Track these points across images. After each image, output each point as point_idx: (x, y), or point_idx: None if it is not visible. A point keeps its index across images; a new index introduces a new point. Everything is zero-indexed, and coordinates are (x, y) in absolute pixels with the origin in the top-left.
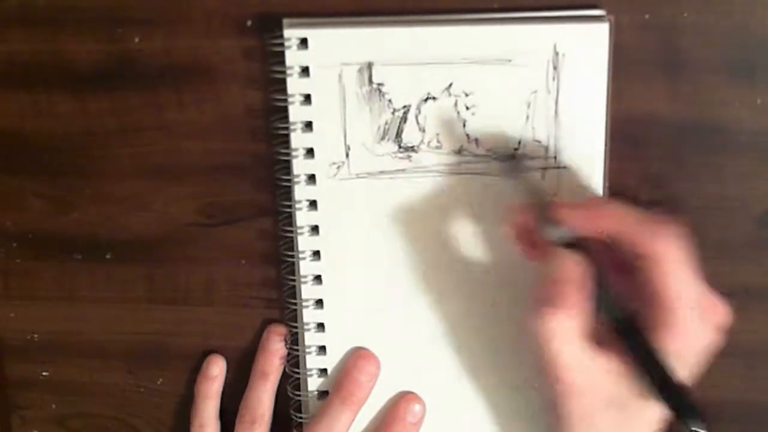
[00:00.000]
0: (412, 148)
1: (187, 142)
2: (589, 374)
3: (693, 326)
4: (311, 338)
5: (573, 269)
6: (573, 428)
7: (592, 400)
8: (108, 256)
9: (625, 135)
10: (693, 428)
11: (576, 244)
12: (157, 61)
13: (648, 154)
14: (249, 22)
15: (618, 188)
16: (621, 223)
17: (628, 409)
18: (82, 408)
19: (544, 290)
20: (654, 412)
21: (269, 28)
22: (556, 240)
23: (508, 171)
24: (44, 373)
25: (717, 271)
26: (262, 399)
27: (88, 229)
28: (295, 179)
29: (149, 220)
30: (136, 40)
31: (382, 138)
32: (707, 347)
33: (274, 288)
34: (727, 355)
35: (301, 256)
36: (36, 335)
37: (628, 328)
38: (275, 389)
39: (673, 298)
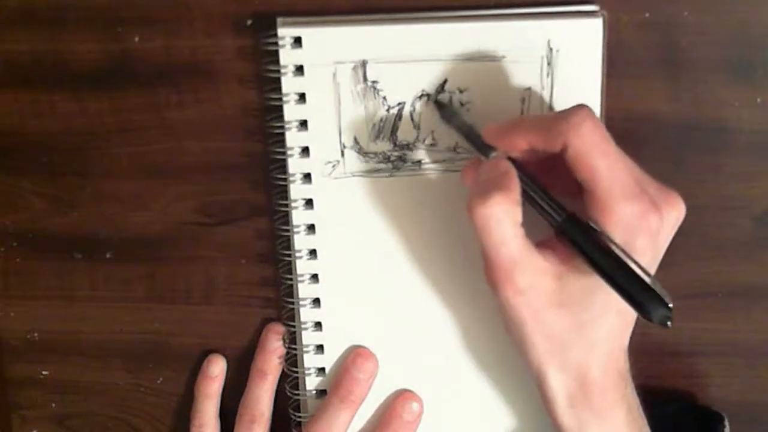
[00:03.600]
0: (407, 146)
1: (187, 142)
2: (534, 271)
3: (631, 213)
4: (309, 337)
5: (505, 164)
6: (528, 333)
7: (540, 300)
8: (108, 256)
9: (624, 134)
10: (657, 317)
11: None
12: (156, 60)
13: (648, 153)
14: (249, 22)
15: None
16: (533, 126)
17: (579, 312)
18: (82, 408)
19: (480, 184)
20: (608, 316)
21: (270, 27)
22: None
23: (445, 118)
24: (44, 373)
25: (717, 271)
26: (261, 398)
27: (88, 228)
28: (291, 178)
29: (149, 220)
30: (136, 39)
31: (377, 136)
32: (660, 240)
33: (273, 287)
34: (727, 355)
35: (297, 255)
36: (36, 335)
37: (571, 227)
38: (274, 388)
39: (601, 178)
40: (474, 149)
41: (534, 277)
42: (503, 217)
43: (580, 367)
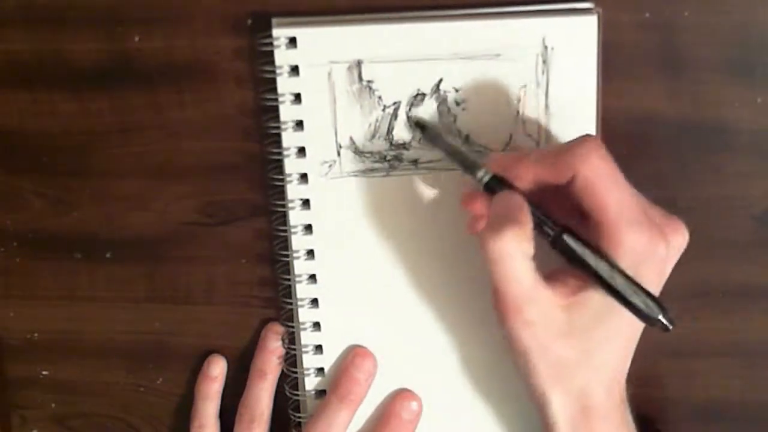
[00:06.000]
0: (403, 145)
1: (187, 142)
2: (543, 304)
3: (638, 242)
4: (307, 337)
5: (518, 198)
6: (533, 361)
7: (547, 331)
8: (108, 256)
9: (624, 134)
10: (658, 320)
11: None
12: (156, 60)
13: (647, 153)
14: (249, 21)
15: None
16: (540, 158)
17: (585, 340)
18: (82, 408)
19: (494, 216)
20: (614, 341)
21: (266, 27)
22: (484, 183)
23: (429, 139)
24: (44, 373)
25: (717, 271)
26: (261, 398)
27: (88, 228)
28: (288, 178)
29: (149, 220)
30: (136, 39)
31: (373, 135)
32: (665, 266)
33: (273, 287)
34: (727, 355)
35: (295, 255)
36: (36, 335)
37: (565, 240)
38: (274, 388)
39: (610, 208)
40: (461, 169)
41: (542, 310)
42: (516, 252)
43: (584, 392)
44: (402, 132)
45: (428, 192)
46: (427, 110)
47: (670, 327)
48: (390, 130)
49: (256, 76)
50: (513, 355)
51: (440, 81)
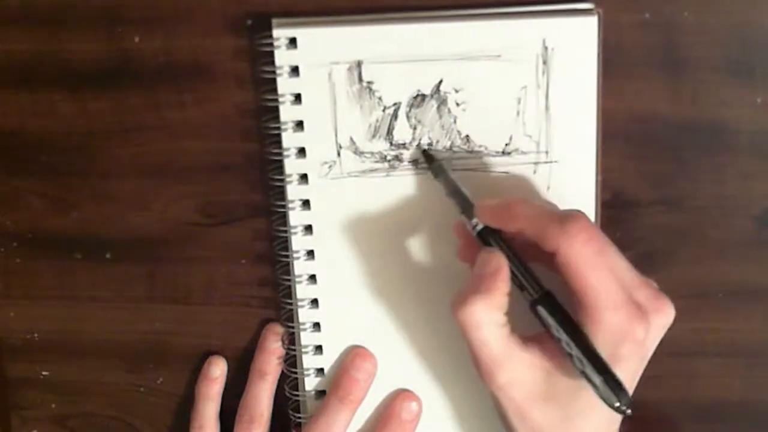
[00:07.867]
0: (403, 146)
1: (187, 142)
2: (516, 367)
3: (617, 323)
4: (307, 338)
5: (497, 261)
6: (511, 422)
7: (522, 394)
8: (108, 256)
9: (624, 134)
10: (616, 404)
11: (497, 232)
12: (156, 60)
13: (648, 153)
14: (249, 22)
15: (618, 187)
16: (529, 222)
17: (566, 407)
18: (82, 408)
19: (469, 282)
20: (595, 412)
21: (266, 27)
22: (477, 231)
23: (433, 171)
24: (44, 373)
25: (717, 271)
26: (261, 398)
27: (88, 228)
28: (288, 179)
29: (149, 220)
30: (136, 39)
31: (374, 136)
32: (646, 346)
33: (273, 287)
34: (727, 355)
35: (295, 255)
36: (36, 335)
37: (545, 306)
38: (274, 389)
39: (589, 291)
40: (458, 208)
41: (515, 373)
42: (484, 320)
43: None
44: (402, 133)
45: (428, 192)
46: (428, 111)
47: (628, 413)
48: (390, 131)
49: (256, 76)
50: (499, 416)
51: (440, 82)
